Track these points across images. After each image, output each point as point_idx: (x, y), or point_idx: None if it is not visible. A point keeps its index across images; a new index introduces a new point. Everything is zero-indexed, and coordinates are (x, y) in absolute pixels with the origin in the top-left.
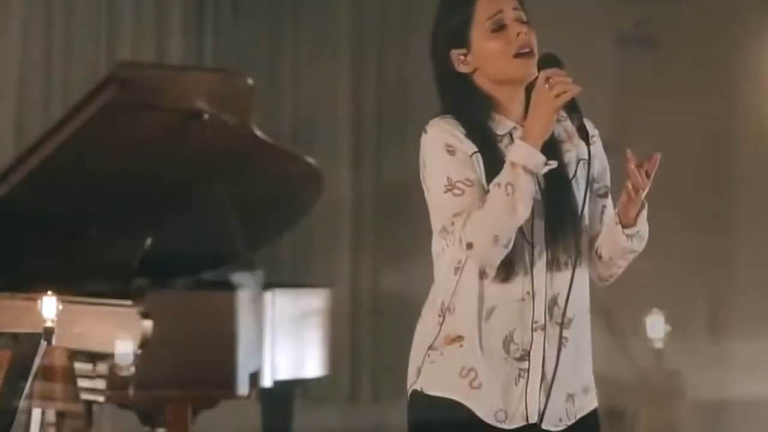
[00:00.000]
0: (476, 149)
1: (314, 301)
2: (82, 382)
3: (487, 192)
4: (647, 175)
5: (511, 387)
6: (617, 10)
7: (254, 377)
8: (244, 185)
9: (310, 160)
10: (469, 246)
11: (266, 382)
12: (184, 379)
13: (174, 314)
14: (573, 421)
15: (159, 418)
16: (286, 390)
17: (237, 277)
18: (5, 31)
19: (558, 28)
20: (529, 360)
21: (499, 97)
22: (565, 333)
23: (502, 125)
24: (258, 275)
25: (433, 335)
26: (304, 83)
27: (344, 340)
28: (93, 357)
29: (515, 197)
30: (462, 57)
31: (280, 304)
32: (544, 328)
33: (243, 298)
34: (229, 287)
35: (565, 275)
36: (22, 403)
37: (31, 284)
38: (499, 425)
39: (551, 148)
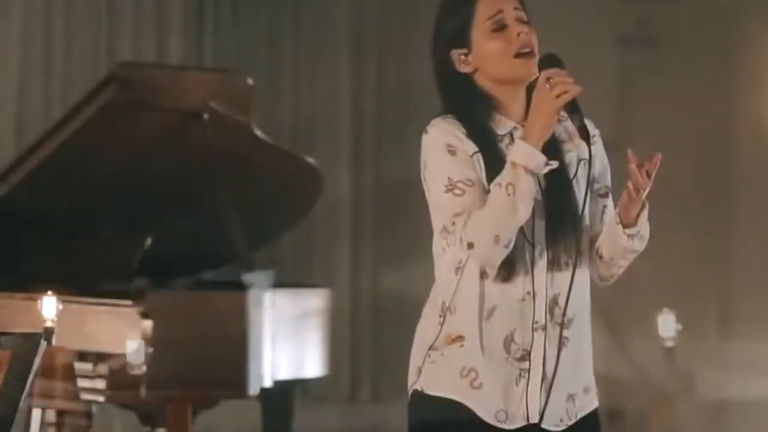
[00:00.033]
0: (477, 149)
1: (314, 301)
2: (82, 382)
3: (487, 192)
4: (648, 175)
5: (511, 387)
6: (617, 10)
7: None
8: (244, 185)
9: (310, 160)
10: (470, 246)
11: (266, 382)
12: (185, 378)
13: (174, 314)
14: (574, 421)
15: (159, 418)
16: (286, 390)
17: (249, 277)
18: (5, 31)
19: (558, 28)
20: (529, 360)
21: (499, 97)
22: (565, 333)
23: (502, 125)
24: (270, 275)
25: (434, 335)
26: (304, 83)
27: (344, 340)
28: (93, 357)
29: (516, 197)
30: (463, 57)
31: (280, 304)
32: (544, 328)
33: (253, 298)
34: (230, 287)
35: (565, 275)
36: (22, 403)
37: (31, 284)
38: (499, 425)
39: (552, 148)
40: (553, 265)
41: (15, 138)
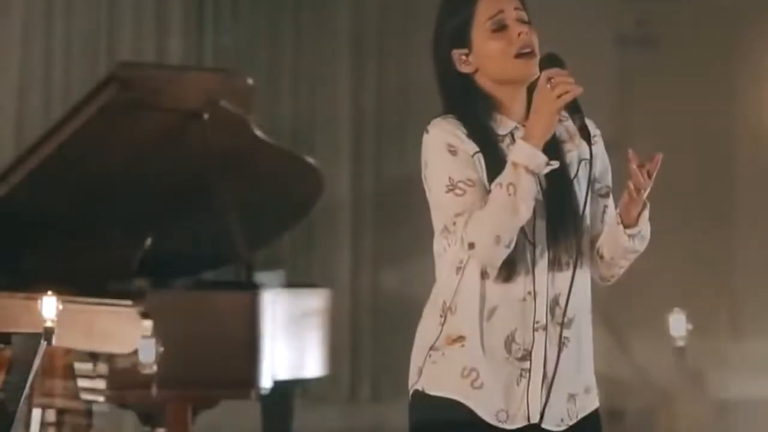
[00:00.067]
0: (478, 149)
1: (314, 301)
2: (82, 382)
3: (488, 192)
4: (649, 175)
5: (512, 387)
6: (617, 10)
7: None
8: (244, 185)
9: (310, 160)
10: (471, 246)
11: (267, 382)
12: (185, 379)
13: (174, 314)
14: (574, 421)
15: (159, 418)
16: (286, 390)
17: (260, 277)
18: (5, 31)
19: (558, 28)
20: (530, 360)
21: (500, 97)
22: (566, 333)
23: (503, 125)
24: (279, 275)
25: (435, 335)
26: (304, 83)
27: (344, 340)
28: (93, 357)
29: (517, 197)
30: (463, 57)
31: (281, 304)
32: (545, 328)
33: (253, 298)
34: (230, 287)
35: (566, 275)
36: (22, 403)
37: (31, 284)
38: (500, 425)
39: (553, 148)
40: (554, 265)
41: (15, 138)
